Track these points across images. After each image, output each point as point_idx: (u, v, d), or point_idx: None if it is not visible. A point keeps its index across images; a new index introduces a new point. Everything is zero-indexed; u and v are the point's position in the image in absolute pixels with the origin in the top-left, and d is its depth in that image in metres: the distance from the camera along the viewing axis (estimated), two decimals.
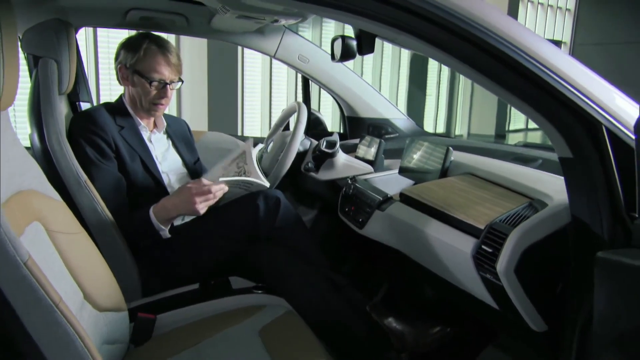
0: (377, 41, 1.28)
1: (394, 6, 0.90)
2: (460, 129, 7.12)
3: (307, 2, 0.92)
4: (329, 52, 1.54)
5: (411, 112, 6.37)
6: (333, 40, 1.61)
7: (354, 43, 1.53)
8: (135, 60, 1.61)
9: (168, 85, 1.64)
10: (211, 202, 1.48)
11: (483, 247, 1.05)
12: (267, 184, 1.60)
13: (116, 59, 1.68)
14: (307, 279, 1.47)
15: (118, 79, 1.70)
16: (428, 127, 6.63)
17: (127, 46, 1.65)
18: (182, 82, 1.72)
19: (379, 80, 5.68)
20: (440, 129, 6.88)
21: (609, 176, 0.91)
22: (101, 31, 3.68)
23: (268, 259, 1.52)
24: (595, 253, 0.84)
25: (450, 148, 1.51)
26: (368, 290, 1.63)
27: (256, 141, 1.83)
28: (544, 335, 1.07)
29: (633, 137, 0.88)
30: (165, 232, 1.53)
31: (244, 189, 1.59)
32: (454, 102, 6.90)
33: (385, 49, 5.57)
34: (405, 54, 5.81)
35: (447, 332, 1.45)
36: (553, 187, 1.13)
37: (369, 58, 5.45)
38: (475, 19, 0.90)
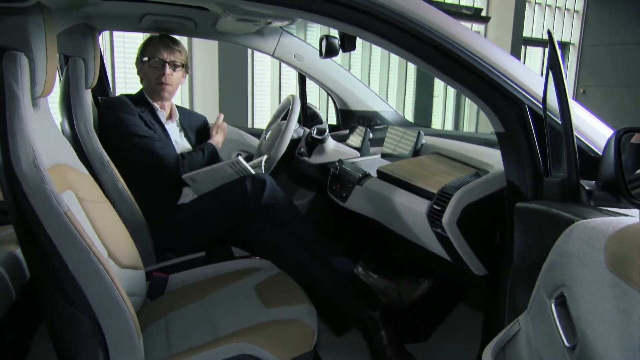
0: (367, 43, 1.50)
1: (357, 10, 1.12)
2: (467, 128, 7.25)
3: (287, 7, 1.15)
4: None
5: (419, 113, 6.51)
6: (320, 40, 1.85)
7: (336, 42, 1.77)
8: (142, 50, 1.95)
9: (167, 64, 1.92)
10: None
11: (434, 206, 1.28)
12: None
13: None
14: (290, 249, 1.70)
15: (138, 74, 2.01)
16: (436, 127, 6.77)
17: (142, 44, 1.98)
18: (184, 69, 2.01)
19: (368, 76, 5.87)
20: (449, 128, 7.01)
21: (531, 146, 1.12)
22: (117, 35, 3.96)
23: (257, 232, 1.76)
24: None
25: (421, 132, 1.74)
26: (359, 258, 1.83)
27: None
28: (486, 278, 1.28)
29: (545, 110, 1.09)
30: None
31: (237, 172, 1.84)
32: (461, 103, 7.04)
33: (374, 48, 5.75)
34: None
35: (425, 287, 1.64)
36: (497, 160, 1.33)
37: (358, 57, 5.67)
38: (418, 19, 1.11)
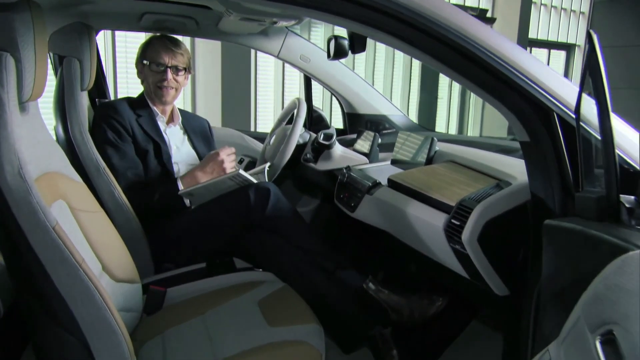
0: (371, 42, 1.40)
1: (370, 9, 1.03)
2: (472, 131, 7.16)
3: (296, 5, 1.06)
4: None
5: (423, 114, 6.43)
6: (328, 41, 1.76)
7: (346, 42, 1.68)
8: (143, 52, 1.87)
9: (169, 69, 1.83)
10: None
11: (452, 220, 1.18)
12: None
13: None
14: (295, 262, 1.61)
15: (138, 76, 1.92)
16: (440, 129, 6.68)
17: (141, 45, 1.89)
18: (187, 71, 1.91)
19: (372, 76, 5.77)
20: (453, 131, 6.92)
21: (560, 157, 1.04)
22: (119, 34, 3.88)
23: (260, 243, 1.67)
24: None
25: (435, 138, 1.65)
26: (366, 271, 1.75)
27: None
28: (508, 299, 1.19)
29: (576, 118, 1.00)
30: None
31: (238, 184, 1.75)
32: (465, 104, 6.94)
33: (379, 48, 5.66)
34: (400, 54, 5.84)
35: (440, 304, 1.56)
36: (519, 170, 1.25)
37: (362, 57, 5.56)
38: (440, 20, 1.02)
